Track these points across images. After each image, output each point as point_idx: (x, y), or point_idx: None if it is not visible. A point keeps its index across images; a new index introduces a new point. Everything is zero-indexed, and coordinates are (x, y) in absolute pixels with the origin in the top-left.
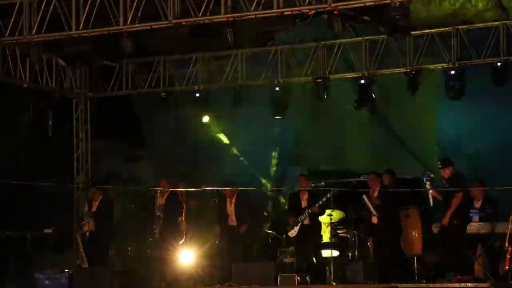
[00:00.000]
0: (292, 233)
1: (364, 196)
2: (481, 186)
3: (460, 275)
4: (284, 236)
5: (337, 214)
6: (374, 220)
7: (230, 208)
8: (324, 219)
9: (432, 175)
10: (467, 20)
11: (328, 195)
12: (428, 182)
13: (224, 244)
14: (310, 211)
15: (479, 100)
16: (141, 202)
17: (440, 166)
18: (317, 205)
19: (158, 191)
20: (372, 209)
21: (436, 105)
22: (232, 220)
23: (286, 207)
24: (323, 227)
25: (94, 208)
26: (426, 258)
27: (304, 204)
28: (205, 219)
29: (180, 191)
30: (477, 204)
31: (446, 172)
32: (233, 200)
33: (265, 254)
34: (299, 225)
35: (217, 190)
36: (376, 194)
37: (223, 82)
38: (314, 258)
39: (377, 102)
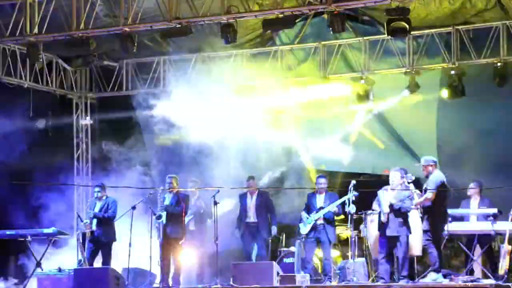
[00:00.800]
0: (305, 230)
1: (380, 192)
2: (479, 186)
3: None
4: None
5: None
6: (383, 218)
7: (251, 204)
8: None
9: (413, 177)
10: (467, 20)
11: (346, 197)
12: (411, 185)
13: (242, 242)
14: (326, 210)
15: (479, 100)
16: (143, 201)
17: (422, 163)
18: (333, 205)
19: (163, 190)
20: (384, 207)
21: (436, 105)
22: (251, 217)
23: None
24: None
25: (97, 208)
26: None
27: (320, 203)
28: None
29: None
30: (475, 204)
31: (427, 170)
32: (254, 196)
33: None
34: (312, 223)
35: (218, 190)
36: (394, 192)
37: (224, 82)
38: (321, 257)
39: (377, 102)
